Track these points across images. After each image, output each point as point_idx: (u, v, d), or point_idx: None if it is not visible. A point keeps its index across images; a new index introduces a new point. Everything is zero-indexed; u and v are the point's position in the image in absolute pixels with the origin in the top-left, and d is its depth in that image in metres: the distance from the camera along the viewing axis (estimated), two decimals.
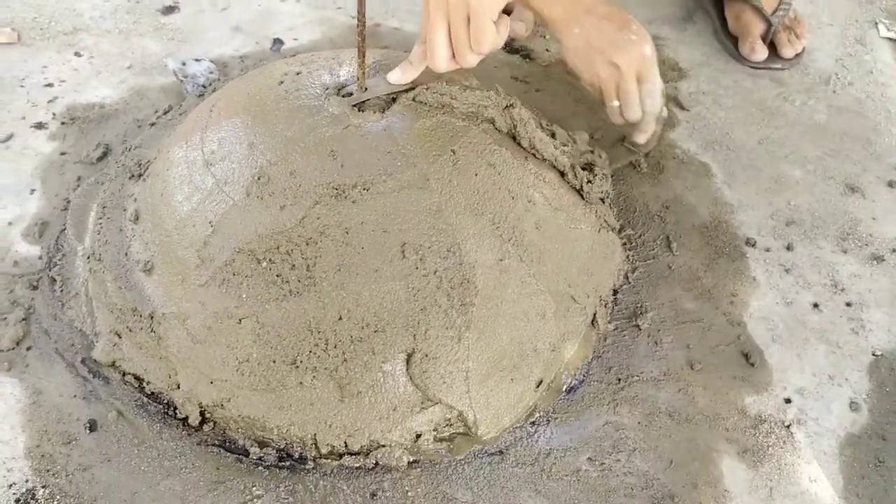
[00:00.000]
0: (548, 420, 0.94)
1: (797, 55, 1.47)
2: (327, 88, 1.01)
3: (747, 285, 1.10)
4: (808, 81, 1.45)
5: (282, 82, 1.02)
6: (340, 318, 0.87)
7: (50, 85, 1.28)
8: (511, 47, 1.44)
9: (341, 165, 0.92)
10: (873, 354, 1.04)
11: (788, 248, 1.15)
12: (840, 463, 0.94)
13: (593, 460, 0.91)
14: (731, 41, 1.49)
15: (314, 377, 0.87)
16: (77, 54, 1.34)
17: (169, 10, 1.45)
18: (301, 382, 0.87)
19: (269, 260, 0.88)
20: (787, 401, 0.98)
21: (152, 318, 0.93)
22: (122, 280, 0.96)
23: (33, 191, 1.12)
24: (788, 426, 0.96)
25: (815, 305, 1.09)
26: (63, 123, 1.22)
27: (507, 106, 1.03)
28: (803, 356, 1.03)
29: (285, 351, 0.87)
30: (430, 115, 0.98)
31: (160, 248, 0.95)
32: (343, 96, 1.00)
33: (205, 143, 0.98)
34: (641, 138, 1.13)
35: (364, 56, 0.96)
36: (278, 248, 0.89)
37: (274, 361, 0.88)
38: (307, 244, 0.89)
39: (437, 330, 0.89)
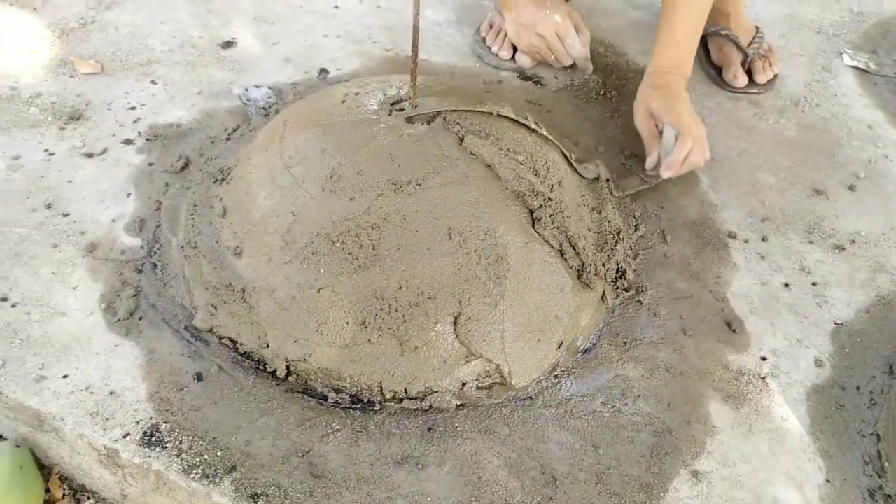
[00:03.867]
0: (568, 374, 1.14)
1: (770, 81, 1.70)
2: (382, 105, 1.23)
3: (729, 269, 1.31)
4: (780, 103, 1.68)
5: (344, 101, 1.24)
6: (400, 288, 1.08)
7: (133, 108, 1.49)
8: (524, 75, 1.67)
9: (398, 166, 1.13)
10: (835, 323, 1.25)
11: (763, 239, 1.37)
12: (807, 406, 1.14)
13: (606, 404, 1.11)
14: (713, 69, 1.72)
15: (380, 335, 1.07)
16: (153, 82, 1.55)
17: (228, 44, 1.67)
18: (369, 340, 1.07)
19: (342, 241, 1.09)
20: (763, 358, 1.19)
21: (244, 291, 1.13)
22: (216, 262, 1.17)
23: (129, 194, 1.31)
24: (764, 378, 1.16)
25: (786, 285, 1.30)
26: (148, 140, 1.42)
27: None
28: (776, 324, 1.24)
29: (356, 314, 1.07)
30: None
31: (248, 236, 1.16)
32: (397, 111, 1.21)
33: (283, 151, 1.19)
34: (664, 172, 1.39)
35: (416, 79, 1.18)
36: (349, 231, 1.09)
37: (347, 323, 1.08)
38: (372, 228, 1.09)
39: (477, 297, 1.09)
